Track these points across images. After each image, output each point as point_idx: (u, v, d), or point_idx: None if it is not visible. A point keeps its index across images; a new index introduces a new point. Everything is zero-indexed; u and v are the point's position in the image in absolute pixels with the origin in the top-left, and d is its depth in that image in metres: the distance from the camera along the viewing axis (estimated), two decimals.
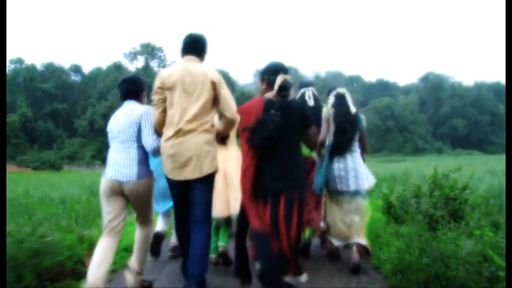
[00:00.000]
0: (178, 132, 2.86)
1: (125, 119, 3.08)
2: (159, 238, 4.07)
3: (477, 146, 66.68)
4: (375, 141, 65.30)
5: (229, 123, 2.98)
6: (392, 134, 66.29)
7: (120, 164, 3.00)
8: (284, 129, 2.77)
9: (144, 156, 3.09)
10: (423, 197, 4.64)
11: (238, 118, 2.95)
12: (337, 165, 3.80)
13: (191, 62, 2.98)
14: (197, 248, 2.86)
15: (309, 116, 2.98)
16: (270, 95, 2.88)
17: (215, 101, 2.94)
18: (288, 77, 2.89)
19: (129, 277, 3.08)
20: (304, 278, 2.82)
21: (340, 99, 3.90)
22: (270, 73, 2.96)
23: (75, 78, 69.53)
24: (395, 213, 4.74)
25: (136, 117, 3.05)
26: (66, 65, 69.07)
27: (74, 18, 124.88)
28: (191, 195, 2.95)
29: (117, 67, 61.53)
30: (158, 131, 3.03)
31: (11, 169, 40.66)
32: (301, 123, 2.90)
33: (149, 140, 3.01)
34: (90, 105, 58.14)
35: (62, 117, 60.61)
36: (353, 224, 3.67)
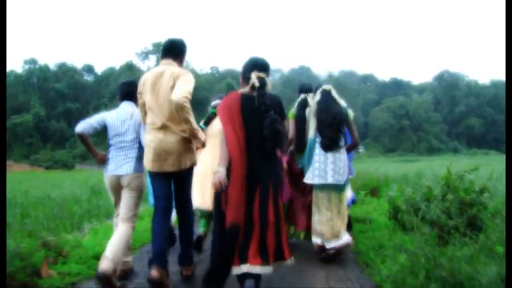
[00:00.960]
0: (159, 130, 3.18)
1: (130, 121, 3.47)
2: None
3: (494, 146, 65.02)
4: (389, 141, 64.21)
5: (176, 107, 3.02)
6: (406, 134, 65.09)
7: (120, 161, 3.41)
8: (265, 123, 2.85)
9: (141, 154, 3.41)
10: (435, 201, 4.10)
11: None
12: (318, 158, 3.96)
13: (165, 66, 3.28)
14: (185, 229, 3.39)
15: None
16: (245, 90, 2.96)
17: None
18: (261, 74, 2.96)
19: (104, 263, 2.99)
20: (290, 261, 2.88)
21: (326, 96, 4.10)
22: (247, 69, 3.04)
23: (87, 78, 69.86)
24: (402, 219, 4.19)
25: (135, 120, 3.46)
26: (79, 65, 69.43)
27: (86, 19, 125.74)
28: (173, 184, 3.36)
29: (129, 67, 61.59)
30: None
31: (23, 168, 40.85)
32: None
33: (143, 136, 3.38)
34: (103, 105, 58.23)
35: (74, 116, 60.92)
36: (331, 221, 3.82)
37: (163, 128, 3.16)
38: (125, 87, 3.64)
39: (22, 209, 7.57)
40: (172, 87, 3.09)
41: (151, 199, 3.98)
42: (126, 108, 3.52)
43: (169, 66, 3.24)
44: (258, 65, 3.01)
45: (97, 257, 3.78)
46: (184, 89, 3.02)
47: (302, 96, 4.53)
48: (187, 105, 3.01)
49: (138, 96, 3.32)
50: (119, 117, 3.48)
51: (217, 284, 2.78)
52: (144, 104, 3.27)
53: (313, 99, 4.27)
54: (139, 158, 3.41)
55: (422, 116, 67.26)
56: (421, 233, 3.19)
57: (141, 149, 3.42)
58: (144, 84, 3.24)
